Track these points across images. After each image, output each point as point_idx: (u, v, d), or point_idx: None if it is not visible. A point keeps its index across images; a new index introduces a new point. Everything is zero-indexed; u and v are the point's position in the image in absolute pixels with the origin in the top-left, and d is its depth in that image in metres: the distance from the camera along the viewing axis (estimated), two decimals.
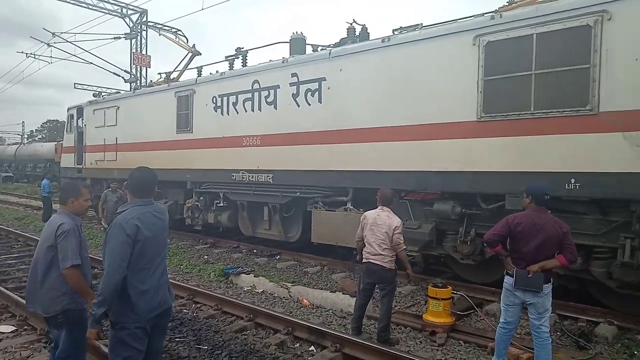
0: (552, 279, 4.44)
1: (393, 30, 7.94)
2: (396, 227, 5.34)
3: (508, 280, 4.47)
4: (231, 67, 10.77)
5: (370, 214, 5.53)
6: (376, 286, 5.61)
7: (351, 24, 8.75)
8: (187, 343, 5.39)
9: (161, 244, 3.42)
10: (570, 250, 4.28)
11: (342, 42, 8.77)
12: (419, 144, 7.18)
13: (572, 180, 5.78)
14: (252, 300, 7.27)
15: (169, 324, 5.80)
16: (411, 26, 7.70)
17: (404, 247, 5.42)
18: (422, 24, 7.58)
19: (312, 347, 5.38)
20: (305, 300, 7.16)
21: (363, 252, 5.51)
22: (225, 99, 10.23)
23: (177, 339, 5.49)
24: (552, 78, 5.91)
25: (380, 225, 5.36)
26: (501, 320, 4.64)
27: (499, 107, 6.36)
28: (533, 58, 6.01)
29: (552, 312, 6.07)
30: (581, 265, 6.06)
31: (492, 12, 6.56)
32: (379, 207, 5.55)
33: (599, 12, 5.56)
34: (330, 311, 6.73)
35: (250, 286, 8.01)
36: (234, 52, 10.71)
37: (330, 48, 8.66)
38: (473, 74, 6.55)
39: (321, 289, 7.69)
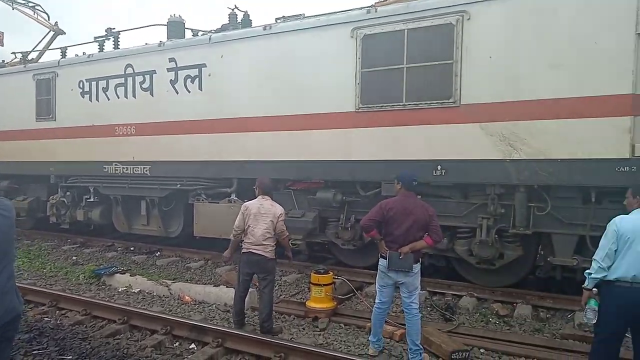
0: (420, 259, 4.77)
1: (276, 19, 7.87)
2: (280, 214, 5.34)
3: (382, 263, 4.69)
4: (101, 49, 9.82)
5: (252, 204, 5.42)
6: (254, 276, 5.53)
7: (233, 9, 8.49)
8: (48, 355, 4.81)
9: (5, 245, 2.95)
10: (436, 231, 4.62)
11: (223, 28, 8.47)
12: (301, 133, 7.24)
13: (439, 167, 6.28)
14: (127, 301, 6.75)
15: (25, 336, 5.17)
16: (293, 16, 7.70)
17: (287, 233, 5.44)
18: (304, 14, 7.62)
19: (193, 345, 5.15)
20: (186, 297, 6.84)
21: (244, 243, 5.39)
22: (94, 83, 9.31)
23: (35, 352, 4.87)
24: (421, 72, 6.33)
25: (264, 215, 5.30)
26: (376, 300, 4.87)
27: (375, 98, 6.65)
28: (404, 52, 6.38)
29: (422, 290, 6.61)
30: (447, 245, 6.64)
31: (369, 6, 6.82)
32: (260, 197, 5.47)
33: (460, 12, 6.07)
34: (214, 306, 6.51)
35: (126, 286, 7.42)
36: (104, 34, 9.77)
37: (210, 33, 8.32)
38: (351, 65, 6.77)
39: (205, 284, 7.42)
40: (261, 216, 5.30)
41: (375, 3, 6.94)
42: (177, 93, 8.34)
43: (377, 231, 4.78)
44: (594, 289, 3.75)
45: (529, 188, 5.96)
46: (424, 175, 6.29)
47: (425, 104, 6.33)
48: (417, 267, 4.65)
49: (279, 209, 5.37)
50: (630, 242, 3.59)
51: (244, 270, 5.44)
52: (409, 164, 6.31)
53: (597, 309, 3.71)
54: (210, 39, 8.08)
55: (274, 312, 5.87)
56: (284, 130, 7.41)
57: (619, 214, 3.81)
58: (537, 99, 5.67)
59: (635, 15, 5.15)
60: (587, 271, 3.78)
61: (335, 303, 6.07)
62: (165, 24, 9.13)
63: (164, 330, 5.30)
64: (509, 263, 6.41)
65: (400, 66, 6.41)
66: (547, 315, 5.93)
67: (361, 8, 6.85)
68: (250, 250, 5.30)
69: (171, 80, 8.38)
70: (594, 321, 3.73)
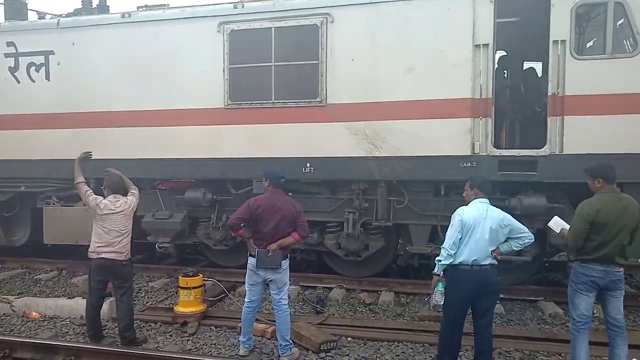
0: (289, 255, 4.82)
1: (137, 7, 7.33)
2: (134, 206, 5.02)
3: (251, 261, 4.64)
4: None
5: (105, 202, 4.93)
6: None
7: None
8: None
9: None
10: (303, 227, 4.71)
11: (75, 12, 7.64)
12: (168, 130, 6.86)
13: (308, 165, 6.43)
14: None
15: None
16: (157, 5, 7.23)
17: None
18: (168, 4, 7.21)
19: None
20: (33, 313, 6.04)
21: (93, 246, 4.88)
22: None
23: None
24: (289, 70, 6.41)
25: (120, 212, 4.87)
26: (246, 300, 4.81)
27: (245, 95, 6.57)
28: (272, 50, 6.39)
29: (294, 285, 6.74)
30: (317, 240, 6.85)
31: (236, 1, 6.69)
32: (111, 196, 5.00)
33: (324, 14, 6.26)
34: (68, 320, 5.86)
35: None
36: None
37: (59, 18, 7.43)
38: (219, 61, 6.59)
39: (57, 296, 6.65)
40: (116, 215, 4.86)
41: None
42: (19, 82, 7.32)
43: (245, 230, 4.71)
44: (441, 274, 4.15)
45: (389, 183, 6.39)
46: (294, 172, 6.40)
47: (294, 102, 6.42)
48: (285, 264, 4.69)
49: (131, 201, 5.01)
50: (472, 230, 4.05)
51: (95, 277, 4.91)
52: (280, 161, 6.35)
53: (444, 291, 4.11)
54: (58, 23, 7.22)
55: (137, 321, 5.49)
56: (149, 126, 6.94)
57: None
58: (394, 101, 6.09)
59: (472, 29, 5.81)
60: (437, 258, 4.16)
61: (206, 306, 5.87)
62: (2, 2, 7.94)
63: (1, 354, 4.61)
64: (373, 254, 6.81)
65: (269, 64, 6.42)
66: (407, 300, 6.43)
67: (229, 2, 6.69)
68: (101, 254, 4.83)
69: (10, 67, 7.32)
70: (442, 302, 4.13)
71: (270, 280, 4.66)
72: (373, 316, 5.96)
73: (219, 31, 6.58)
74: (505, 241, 4.19)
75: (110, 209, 4.86)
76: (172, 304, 6.13)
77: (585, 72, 5.55)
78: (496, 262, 4.15)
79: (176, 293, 6.36)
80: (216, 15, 6.62)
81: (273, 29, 6.40)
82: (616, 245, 3.92)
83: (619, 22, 5.53)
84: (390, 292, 6.58)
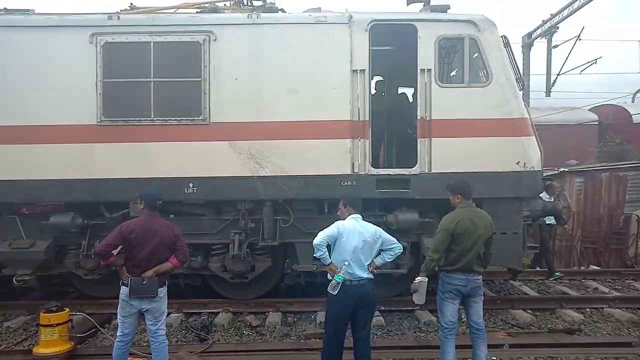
0: (167, 282, 4.55)
1: None
2: None
3: (124, 291, 4.32)
4: None
5: None
6: None
7: None
8: None
9: None
10: (182, 252, 4.50)
11: None
12: (27, 148, 6.14)
13: (190, 185, 6.18)
14: None
15: None
16: (19, 10, 6.50)
17: None
18: (33, 9, 6.52)
19: None
20: None
21: None
22: None
23: None
24: (170, 87, 6.16)
25: None
26: (118, 333, 4.44)
27: (121, 111, 6.16)
28: (152, 65, 6.10)
29: (178, 312, 6.39)
30: (201, 263, 6.58)
31: (112, 13, 6.28)
32: None
33: (207, 32, 6.15)
34: None
35: None
36: None
37: None
38: (91, 73, 6.11)
39: None
40: None
41: (120, 10, 6.46)
42: None
43: (117, 257, 4.37)
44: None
45: (275, 202, 6.39)
46: (176, 193, 6.13)
47: (175, 120, 6.17)
48: (163, 291, 4.44)
49: None
50: (347, 240, 4.23)
51: None
52: (160, 181, 6.04)
53: (339, 283, 4.18)
54: None
55: None
56: (5, 144, 6.15)
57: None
58: (278, 121, 6.16)
59: (349, 55, 6.13)
60: (317, 245, 4.23)
61: (74, 344, 5.30)
62: None
63: None
64: (260, 274, 6.72)
65: (148, 79, 6.11)
66: (294, 320, 6.43)
67: (104, 13, 6.26)
68: None
69: None
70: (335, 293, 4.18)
71: (146, 310, 4.36)
72: (260, 338, 5.87)
73: (91, 42, 6.11)
74: (378, 254, 4.43)
75: None
76: (32, 345, 5.44)
77: (448, 99, 6.17)
78: (372, 277, 4.35)
79: (37, 331, 5.66)
80: (88, 25, 6.15)
81: (152, 43, 6.11)
82: (474, 255, 4.38)
83: (474, 55, 6.25)
84: (278, 313, 6.54)
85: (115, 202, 6.38)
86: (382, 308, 6.62)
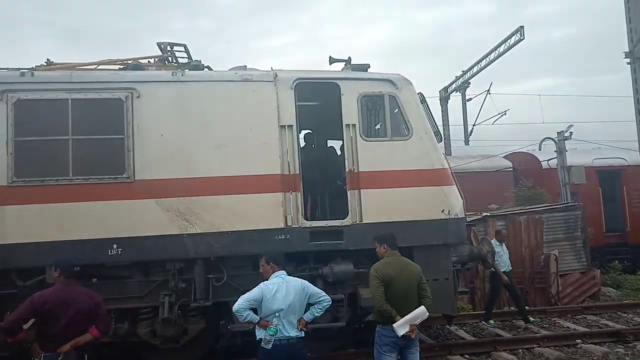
0: (86, 355, 4.19)
1: None
2: None
3: None
4: None
5: None
6: None
7: None
8: None
9: None
10: (104, 320, 4.23)
11: None
12: None
13: (114, 246, 5.84)
14: None
15: None
16: None
17: None
18: None
19: None
20: None
21: None
22: None
23: None
24: (90, 144, 5.93)
25: None
26: None
27: (34, 171, 5.80)
28: (69, 122, 5.87)
29: None
30: (128, 329, 6.13)
31: (26, 69, 6.04)
32: None
33: (129, 89, 6.06)
34: None
35: None
36: None
37: None
38: (2, 132, 5.75)
39: None
40: None
41: (35, 66, 6.23)
42: None
43: (27, 332, 3.98)
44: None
45: (207, 260, 6.18)
46: (99, 255, 5.78)
47: (97, 178, 5.90)
48: None
49: None
50: (271, 302, 4.19)
51: None
52: (80, 243, 5.69)
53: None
54: None
55: None
56: None
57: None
58: (207, 177, 6.08)
59: (277, 111, 6.30)
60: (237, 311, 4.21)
61: None
62: None
63: None
64: (193, 337, 6.37)
65: (65, 137, 5.84)
66: None
67: (16, 69, 6.01)
68: None
69: None
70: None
71: None
72: None
73: (1, 100, 5.79)
74: (306, 309, 4.40)
75: None
76: None
77: (373, 152, 6.45)
78: (302, 334, 4.29)
79: None
80: None
81: (70, 100, 5.91)
82: (408, 303, 4.44)
83: (395, 110, 6.65)
84: None
85: (30, 269, 5.87)
86: None
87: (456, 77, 21.62)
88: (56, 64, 6.58)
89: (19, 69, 6.06)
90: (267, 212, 6.13)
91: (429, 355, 6.59)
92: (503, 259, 8.58)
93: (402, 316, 4.38)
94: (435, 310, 6.65)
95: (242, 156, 6.17)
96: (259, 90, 6.32)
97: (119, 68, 6.65)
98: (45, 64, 6.55)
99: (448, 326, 8.23)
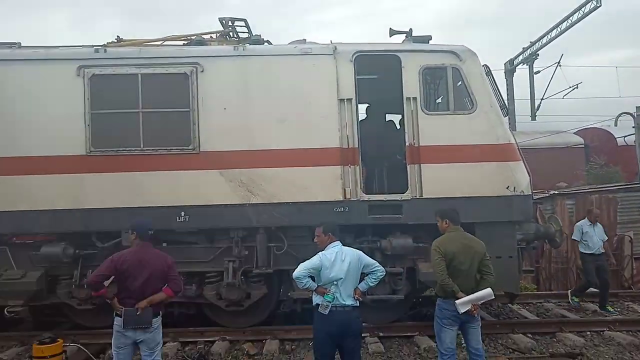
0: (161, 312, 4.53)
1: None
2: None
3: (117, 322, 4.30)
4: None
5: None
6: None
7: None
8: None
9: None
10: (176, 282, 4.50)
11: None
12: (18, 179, 6.15)
13: (182, 213, 6.20)
14: None
15: None
16: (6, 43, 6.61)
17: None
18: (20, 43, 6.63)
19: None
20: None
21: None
22: None
23: None
24: (158, 117, 6.24)
25: None
26: None
27: (110, 141, 6.22)
28: (139, 96, 6.19)
29: (174, 341, 6.32)
30: (196, 291, 6.54)
31: (99, 45, 6.41)
32: None
33: (193, 63, 6.27)
34: None
35: None
36: None
37: None
38: (79, 105, 6.19)
39: None
40: None
41: (107, 43, 6.59)
42: None
43: (109, 288, 4.36)
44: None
45: (268, 230, 6.41)
46: (168, 222, 6.15)
47: (165, 149, 6.23)
48: (157, 321, 4.42)
49: None
50: (330, 271, 4.27)
51: None
52: (151, 210, 6.06)
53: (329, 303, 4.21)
54: None
55: None
56: None
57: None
58: (268, 149, 6.25)
59: (336, 84, 6.28)
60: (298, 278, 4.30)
61: None
62: None
63: None
64: (256, 302, 6.68)
65: (136, 110, 6.19)
66: (292, 347, 6.36)
67: (90, 46, 6.38)
68: None
69: None
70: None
71: (141, 341, 4.33)
72: None
73: (78, 75, 6.21)
74: (361, 280, 4.47)
75: None
76: None
77: (434, 126, 6.31)
78: (357, 304, 4.38)
79: None
80: (75, 58, 6.26)
81: (140, 75, 6.22)
82: (470, 279, 4.40)
83: (458, 83, 6.43)
84: (275, 340, 6.46)
85: (107, 232, 6.37)
86: (381, 334, 6.60)
87: (523, 48, 20.39)
88: (125, 40, 6.91)
89: (92, 46, 6.43)
90: (326, 185, 6.22)
91: (490, 332, 6.50)
92: (593, 240, 7.98)
93: (465, 293, 4.34)
94: (497, 287, 6.55)
95: (301, 129, 6.26)
96: (318, 64, 6.33)
97: (183, 44, 6.87)
98: (115, 41, 6.90)
99: (510, 305, 8.04)
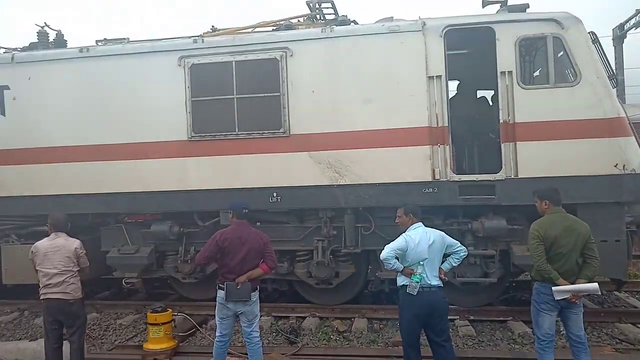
0: (258, 287, 4.83)
1: (96, 41, 7.32)
2: (77, 247, 4.82)
3: (220, 294, 4.64)
4: None
5: (40, 244, 4.81)
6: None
7: (43, 27, 7.62)
8: None
9: None
10: (271, 258, 4.75)
11: (32, 47, 7.54)
12: (129, 163, 6.79)
13: (274, 194, 6.48)
14: None
15: None
16: (116, 39, 7.24)
17: (88, 270, 4.96)
18: (128, 38, 7.23)
19: None
20: None
21: (40, 289, 4.77)
22: None
23: None
24: (251, 103, 6.51)
25: (58, 251, 4.74)
26: (217, 334, 4.78)
27: (208, 127, 6.61)
28: (234, 83, 6.49)
29: (268, 315, 6.70)
30: (287, 269, 6.85)
31: (196, 36, 6.78)
32: (52, 234, 4.88)
33: (283, 48, 6.42)
34: None
35: None
36: None
37: (14, 52, 7.33)
38: (181, 94, 6.63)
39: (19, 339, 6.39)
40: (54, 254, 4.72)
41: (203, 33, 6.95)
42: None
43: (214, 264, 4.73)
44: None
45: (356, 210, 6.50)
46: (261, 202, 6.45)
47: (258, 133, 6.50)
48: (255, 295, 4.70)
49: (76, 242, 4.86)
50: (415, 251, 4.27)
51: (47, 318, 4.82)
52: (246, 192, 6.39)
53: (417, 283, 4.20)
54: (13, 58, 7.12)
55: None
56: (111, 160, 6.85)
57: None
58: (355, 130, 6.27)
59: (424, 61, 6.09)
60: (386, 260, 4.30)
61: (177, 341, 5.77)
62: None
63: None
64: (344, 281, 6.85)
65: (231, 96, 6.50)
66: (380, 326, 6.45)
67: (189, 37, 6.78)
68: (48, 295, 4.72)
69: None
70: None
71: (241, 313, 4.65)
72: (347, 344, 5.97)
73: (179, 65, 6.63)
74: (443, 260, 4.43)
75: (47, 247, 4.76)
76: (142, 341, 6.00)
77: (532, 101, 5.91)
78: (442, 284, 4.36)
79: (145, 329, 6.23)
80: (176, 49, 6.68)
81: (234, 62, 6.50)
82: (571, 263, 4.13)
83: (559, 54, 5.94)
84: (363, 319, 6.60)
85: (207, 212, 6.85)
86: (472, 318, 6.48)
87: (637, 10, 18.15)
88: (220, 29, 7.24)
89: (191, 37, 6.83)
90: (414, 166, 6.14)
91: (592, 321, 6.10)
92: None
93: (566, 279, 4.09)
94: (602, 273, 6.10)
95: (389, 109, 6.19)
96: (407, 41, 6.17)
97: (273, 29, 7.05)
98: (211, 30, 7.25)
99: (617, 292, 7.45)
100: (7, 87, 7.05)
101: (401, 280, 4.35)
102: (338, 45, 6.35)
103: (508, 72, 5.97)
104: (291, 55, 6.40)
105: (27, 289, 7.93)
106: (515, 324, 6.21)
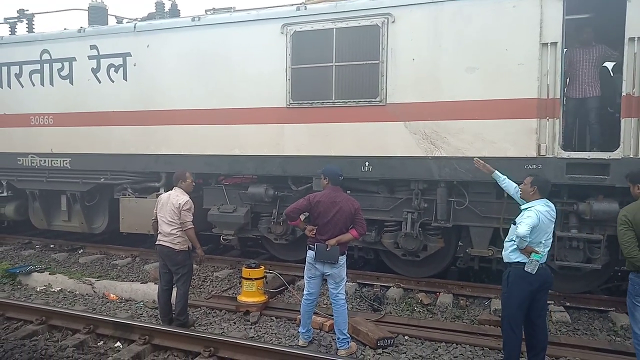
0: (346, 252, 4.94)
1: (205, 11, 7.73)
2: (181, 204, 5.23)
3: (310, 254, 4.83)
4: (13, 31, 9.10)
5: (164, 194, 5.47)
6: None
7: None
8: None
9: None
10: (361, 224, 4.83)
11: (150, 17, 8.17)
12: (232, 128, 7.18)
13: (366, 163, 6.50)
14: (46, 301, 6.41)
15: None
16: (224, 8, 7.58)
17: (191, 225, 5.32)
18: (234, 7, 7.53)
19: (119, 343, 5.01)
20: (112, 295, 6.60)
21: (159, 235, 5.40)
22: (5, 69, 8.62)
23: None
24: (349, 70, 6.50)
25: (168, 204, 5.27)
26: (304, 292, 5.00)
27: (306, 94, 6.74)
28: (333, 50, 6.51)
29: (353, 282, 6.85)
30: (375, 238, 6.91)
31: (299, 3, 6.88)
32: (174, 188, 5.45)
33: (385, 14, 6.28)
34: (142, 303, 6.36)
35: (45, 285, 7.04)
36: (15, 15, 9.07)
37: (136, 21, 7.99)
38: (282, 61, 6.80)
39: (132, 281, 7.20)
40: (166, 206, 5.28)
41: (305, 0, 7.01)
42: (100, 82, 7.94)
43: (300, 220, 4.92)
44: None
45: (449, 184, 6.32)
46: (353, 171, 6.51)
47: (354, 102, 6.51)
48: (342, 259, 4.82)
49: (182, 199, 5.28)
50: (541, 228, 4.09)
51: (160, 262, 5.45)
52: (339, 159, 6.48)
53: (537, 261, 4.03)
54: (135, 27, 7.75)
55: (203, 308, 5.89)
56: (215, 124, 7.30)
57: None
58: (455, 100, 6.02)
59: (539, 27, 5.63)
60: (522, 236, 4.04)
61: (267, 297, 6.13)
62: (86, 9, 8.64)
63: (86, 330, 5.12)
64: (432, 255, 6.77)
65: (330, 64, 6.54)
66: (467, 303, 6.31)
67: (291, 5, 6.89)
68: (160, 242, 5.29)
69: (93, 68, 7.96)
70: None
71: (328, 275, 4.81)
72: (431, 317, 5.95)
73: (282, 33, 6.79)
74: None
75: (166, 199, 5.34)
76: (235, 294, 6.46)
77: None
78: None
79: (239, 283, 6.70)
80: (280, 17, 6.83)
81: (335, 29, 6.51)
82: None
83: None
84: (449, 294, 6.50)
85: (300, 177, 7.07)
86: (567, 304, 6.11)
87: None
88: None
89: (293, 4, 6.93)
90: (517, 139, 5.79)
91: None
92: None
93: None
94: None
95: (493, 79, 5.85)
96: (520, 4, 5.70)
97: None
98: None
99: None
100: (129, 54, 7.74)
101: (515, 257, 4.14)
102: (442, 10, 6.06)
103: (638, 38, 5.32)
104: (393, 22, 6.25)
105: (140, 238, 8.91)
106: (618, 316, 5.76)
